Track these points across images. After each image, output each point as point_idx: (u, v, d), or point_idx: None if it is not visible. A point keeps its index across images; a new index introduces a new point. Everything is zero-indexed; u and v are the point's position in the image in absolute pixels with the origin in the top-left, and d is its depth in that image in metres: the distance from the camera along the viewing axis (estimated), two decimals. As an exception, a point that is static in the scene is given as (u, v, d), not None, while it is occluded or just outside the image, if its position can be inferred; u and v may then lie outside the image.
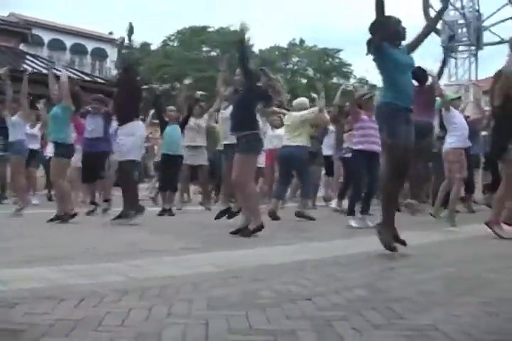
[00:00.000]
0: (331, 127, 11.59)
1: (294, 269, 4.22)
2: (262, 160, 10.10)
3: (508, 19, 21.88)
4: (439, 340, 2.42)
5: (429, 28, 5.56)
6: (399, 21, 5.23)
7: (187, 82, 10.87)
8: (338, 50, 50.56)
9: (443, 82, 19.97)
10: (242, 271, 4.06)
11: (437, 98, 8.71)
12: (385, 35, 5.10)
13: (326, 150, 11.91)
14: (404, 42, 5.32)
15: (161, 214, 9.43)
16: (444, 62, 8.75)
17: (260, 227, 6.44)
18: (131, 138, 7.80)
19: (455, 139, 7.45)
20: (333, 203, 11.05)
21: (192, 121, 10.40)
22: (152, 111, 11.42)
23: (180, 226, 7.74)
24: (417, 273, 4.09)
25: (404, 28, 5.26)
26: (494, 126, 7.04)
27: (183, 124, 9.98)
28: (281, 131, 10.43)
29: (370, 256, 4.93)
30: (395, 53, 5.12)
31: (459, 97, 7.78)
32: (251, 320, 2.67)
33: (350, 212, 8.15)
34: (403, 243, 5.06)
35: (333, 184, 12.36)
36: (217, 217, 7.82)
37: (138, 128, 7.94)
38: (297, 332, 2.48)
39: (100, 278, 3.72)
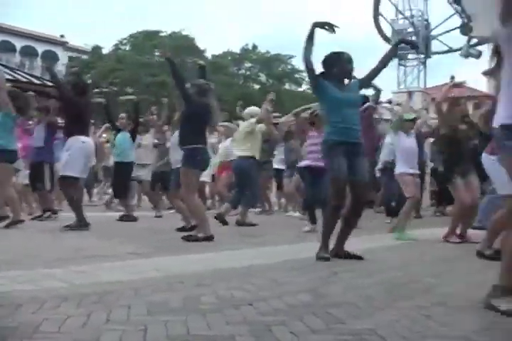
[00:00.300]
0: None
1: (240, 274, 4.23)
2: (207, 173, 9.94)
3: (455, 29, 22.33)
4: (376, 344, 2.45)
5: (383, 65, 5.58)
6: (349, 59, 5.35)
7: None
8: (291, 56, 50.84)
9: (391, 88, 20.27)
10: (187, 276, 4.05)
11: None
12: (332, 71, 5.28)
13: (277, 163, 12.03)
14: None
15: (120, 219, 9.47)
16: (378, 90, 8.78)
17: (209, 238, 6.45)
18: (67, 153, 7.83)
19: (400, 165, 7.40)
20: (291, 213, 11.24)
21: (137, 138, 10.39)
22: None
23: (129, 232, 7.66)
24: (361, 278, 4.14)
25: (352, 68, 5.35)
26: (442, 152, 7.18)
27: (132, 132, 9.89)
28: (227, 142, 10.93)
29: (317, 261, 4.97)
30: (333, 91, 5.22)
31: (414, 118, 7.69)
32: (190, 325, 2.66)
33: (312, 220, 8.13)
34: (359, 257, 5.13)
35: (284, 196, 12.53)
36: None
37: (75, 143, 7.82)
38: (236, 338, 2.48)
39: (42, 283, 3.67)
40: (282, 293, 3.46)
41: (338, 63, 5.30)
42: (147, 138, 10.87)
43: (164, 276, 4.07)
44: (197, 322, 2.72)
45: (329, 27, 5.15)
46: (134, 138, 9.89)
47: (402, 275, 4.36)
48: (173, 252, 5.46)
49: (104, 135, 13.60)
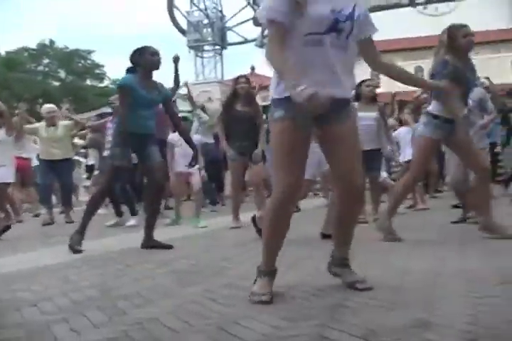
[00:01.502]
0: None
1: (28, 275, 4.09)
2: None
3: (248, 20, 22.98)
4: (156, 331, 2.46)
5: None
6: (154, 52, 5.39)
7: None
8: (90, 51, 49.37)
9: (190, 80, 20.58)
10: (-30, 283, 3.84)
11: None
12: (139, 67, 5.35)
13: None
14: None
15: None
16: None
17: None
18: None
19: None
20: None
21: None
22: None
23: None
24: (153, 269, 4.16)
25: (158, 59, 5.41)
26: None
27: None
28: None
29: (111, 255, 4.96)
30: (136, 90, 5.29)
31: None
32: (-39, 333, 2.53)
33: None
34: (170, 247, 5.30)
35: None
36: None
37: None
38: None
39: None
40: (69, 290, 3.40)
41: (143, 56, 5.34)
42: None
43: None
44: (-30, 329, 2.59)
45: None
46: None
47: (195, 262, 4.42)
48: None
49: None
